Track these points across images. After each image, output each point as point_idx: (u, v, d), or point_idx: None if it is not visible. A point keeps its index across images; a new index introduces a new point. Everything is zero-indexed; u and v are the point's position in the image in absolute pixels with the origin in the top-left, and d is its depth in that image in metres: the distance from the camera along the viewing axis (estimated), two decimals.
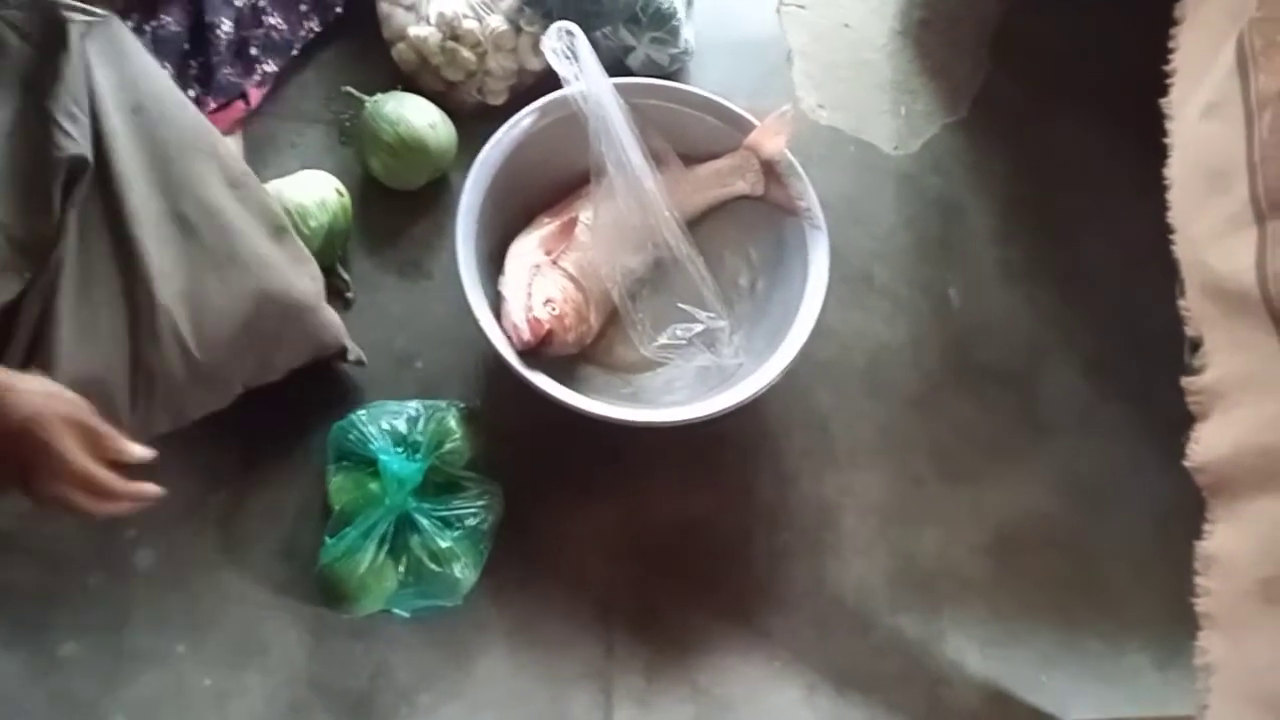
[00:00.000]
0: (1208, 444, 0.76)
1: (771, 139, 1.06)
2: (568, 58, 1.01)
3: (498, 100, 1.21)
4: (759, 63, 1.32)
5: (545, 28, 1.07)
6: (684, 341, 1.04)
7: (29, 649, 0.95)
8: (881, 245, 1.23)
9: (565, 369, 1.06)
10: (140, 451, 0.70)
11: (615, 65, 1.23)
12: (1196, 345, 0.81)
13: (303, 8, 1.19)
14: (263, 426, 1.02)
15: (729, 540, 1.07)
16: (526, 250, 1.04)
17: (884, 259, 1.22)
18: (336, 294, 1.12)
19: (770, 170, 1.08)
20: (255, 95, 1.15)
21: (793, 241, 1.06)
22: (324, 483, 0.98)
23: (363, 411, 0.98)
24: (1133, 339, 1.17)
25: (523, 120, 1.05)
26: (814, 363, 1.14)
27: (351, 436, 0.96)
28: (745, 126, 1.08)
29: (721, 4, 1.32)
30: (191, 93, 1.09)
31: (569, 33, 1.00)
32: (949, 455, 1.13)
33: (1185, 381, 0.80)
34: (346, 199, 1.11)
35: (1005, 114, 1.31)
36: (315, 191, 1.08)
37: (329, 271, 1.11)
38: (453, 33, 1.16)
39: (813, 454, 1.11)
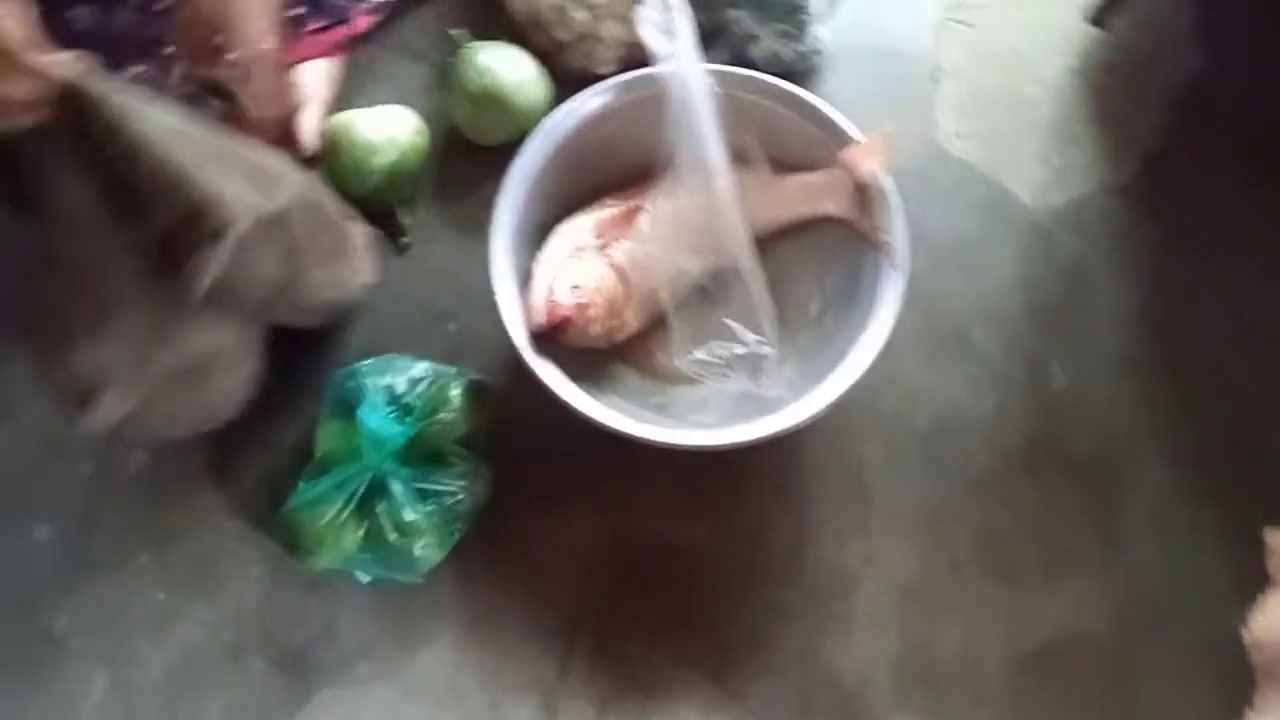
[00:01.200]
0: (1276, 618, 0.61)
1: (868, 158, 0.94)
2: (664, 32, 0.92)
3: (605, 69, 1.14)
4: (902, 76, 1.18)
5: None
6: (721, 361, 0.94)
7: (6, 523, 0.97)
8: (989, 303, 1.08)
9: (597, 363, 0.99)
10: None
11: (738, 55, 1.13)
12: None
13: None
14: (283, 353, 1.00)
15: (726, 583, 0.96)
16: (576, 230, 0.97)
17: (987, 318, 1.07)
18: (391, 238, 1.08)
19: (862, 194, 0.96)
20: (362, 22, 1.13)
21: (867, 279, 0.94)
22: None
23: (369, 362, 0.94)
24: (1256, 471, 0.98)
25: (603, 92, 0.97)
26: (872, 412, 1.02)
27: (349, 385, 0.93)
28: (844, 140, 0.96)
29: (876, 6, 1.20)
30: (301, 10, 1.07)
31: (668, 5, 0.91)
32: (999, 547, 0.98)
33: (1270, 534, 0.65)
34: (423, 141, 1.07)
35: (1175, 187, 1.12)
36: (388, 128, 1.04)
37: (386, 214, 1.07)
38: None
39: (843, 510, 0.99)
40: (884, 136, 0.93)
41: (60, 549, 0.97)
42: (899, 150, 0.94)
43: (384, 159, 1.03)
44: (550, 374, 0.87)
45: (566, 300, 0.90)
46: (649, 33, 0.91)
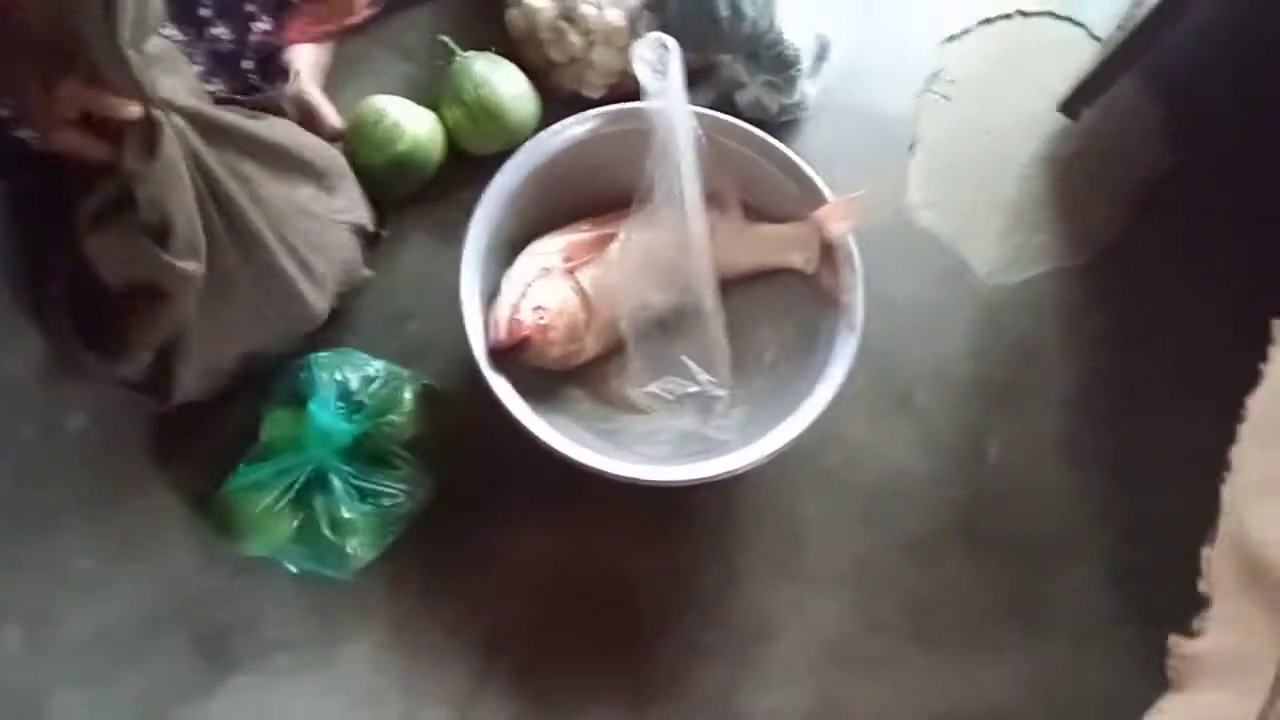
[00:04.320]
0: None
1: (838, 220, 0.97)
2: (656, 71, 0.94)
3: (593, 94, 1.16)
4: (878, 141, 1.22)
5: None
6: (673, 397, 0.96)
7: None
8: (935, 369, 1.11)
9: (552, 384, 1.00)
10: None
11: (723, 99, 1.16)
12: (1204, 604, 0.69)
13: None
14: None
15: (652, 616, 0.98)
16: (546, 250, 0.99)
17: (932, 385, 1.11)
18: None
19: (827, 253, 0.99)
20: (359, 13, 1.13)
21: (824, 334, 0.96)
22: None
23: (325, 355, 0.95)
24: (1179, 565, 1.01)
25: (589, 120, 0.99)
26: (813, 465, 1.04)
27: (302, 374, 0.93)
28: (817, 199, 0.99)
29: (860, 70, 1.23)
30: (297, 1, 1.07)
31: (664, 46, 0.93)
32: (923, 614, 1.01)
33: (1173, 642, 0.69)
34: (436, 146, 1.09)
35: (1125, 281, 1.16)
36: (413, 119, 1.07)
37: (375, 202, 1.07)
38: (567, 13, 1.11)
39: (774, 559, 1.01)
40: (856, 200, 0.96)
41: None
42: (867, 212, 0.97)
43: (402, 145, 1.05)
44: (505, 391, 0.88)
45: (529, 320, 0.91)
46: (642, 69, 0.93)
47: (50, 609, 0.93)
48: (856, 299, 0.94)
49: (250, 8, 1.00)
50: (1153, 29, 1.05)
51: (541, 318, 0.92)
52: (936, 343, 1.13)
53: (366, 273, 1.04)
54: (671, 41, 0.93)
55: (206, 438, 0.98)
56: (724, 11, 1.06)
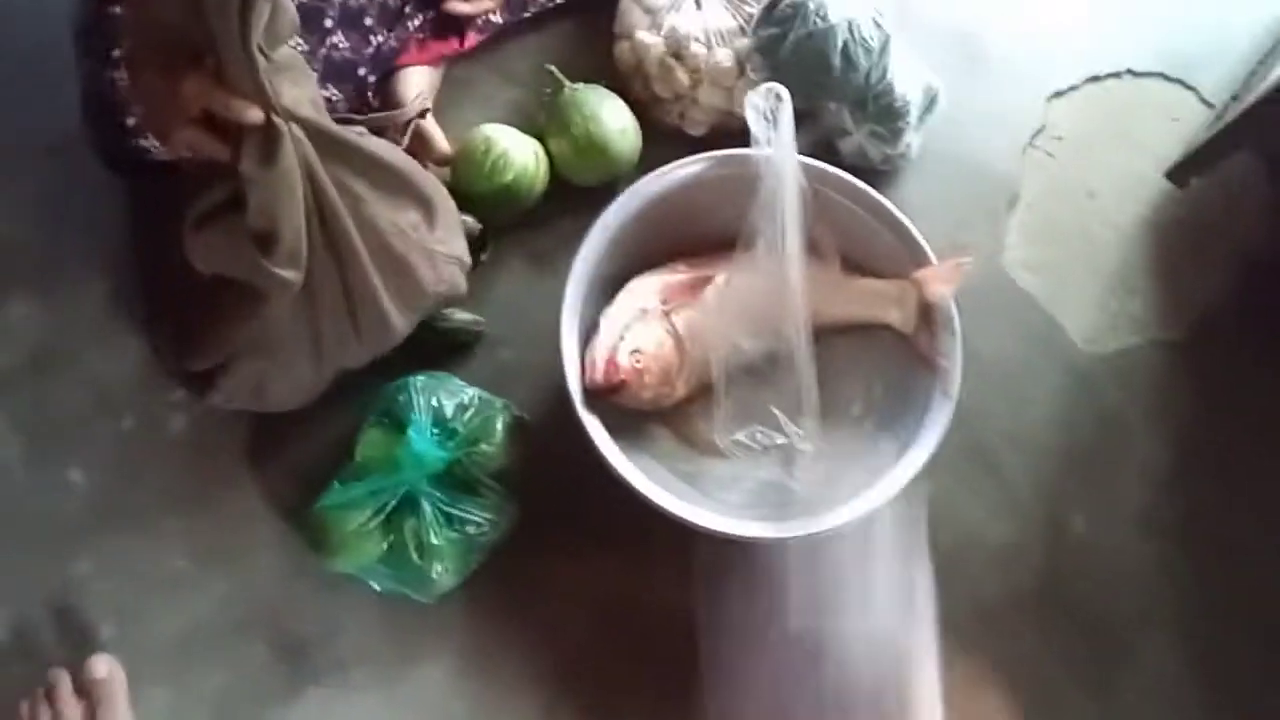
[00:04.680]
0: None
1: (940, 283, 0.96)
2: (767, 120, 0.94)
3: (696, 131, 1.16)
4: (979, 194, 1.20)
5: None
6: (759, 448, 0.97)
7: (42, 457, 1.00)
8: (1022, 434, 1.10)
9: (635, 420, 1.00)
10: None
11: (824, 145, 1.16)
12: None
13: None
14: None
15: None
16: (644, 290, 0.99)
17: (1019, 449, 1.09)
18: (471, 251, 1.09)
19: (926, 313, 0.98)
20: (472, 39, 1.15)
21: (916, 395, 0.96)
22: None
23: (422, 378, 0.96)
24: (1259, 645, 1.00)
25: (696, 163, 0.99)
26: None
27: (400, 398, 0.94)
28: (920, 258, 0.98)
29: (963, 121, 1.21)
30: (415, 23, 1.09)
31: (778, 96, 0.94)
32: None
33: None
34: (540, 176, 1.10)
35: (1221, 358, 1.14)
36: (519, 149, 1.08)
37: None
38: (677, 51, 1.12)
39: None
40: (961, 265, 0.96)
41: (91, 495, 0.99)
42: (971, 277, 0.97)
43: (508, 175, 1.06)
44: (599, 432, 0.89)
45: (626, 364, 0.92)
46: (754, 118, 0.94)
47: (140, 606, 0.96)
48: (956, 366, 0.94)
49: (369, 21, 1.03)
50: (1274, 107, 1.03)
51: (638, 361, 0.93)
52: (1026, 407, 1.11)
53: (469, 318, 1.07)
54: (784, 92, 0.93)
55: (301, 449, 1.01)
56: (837, 61, 1.05)
